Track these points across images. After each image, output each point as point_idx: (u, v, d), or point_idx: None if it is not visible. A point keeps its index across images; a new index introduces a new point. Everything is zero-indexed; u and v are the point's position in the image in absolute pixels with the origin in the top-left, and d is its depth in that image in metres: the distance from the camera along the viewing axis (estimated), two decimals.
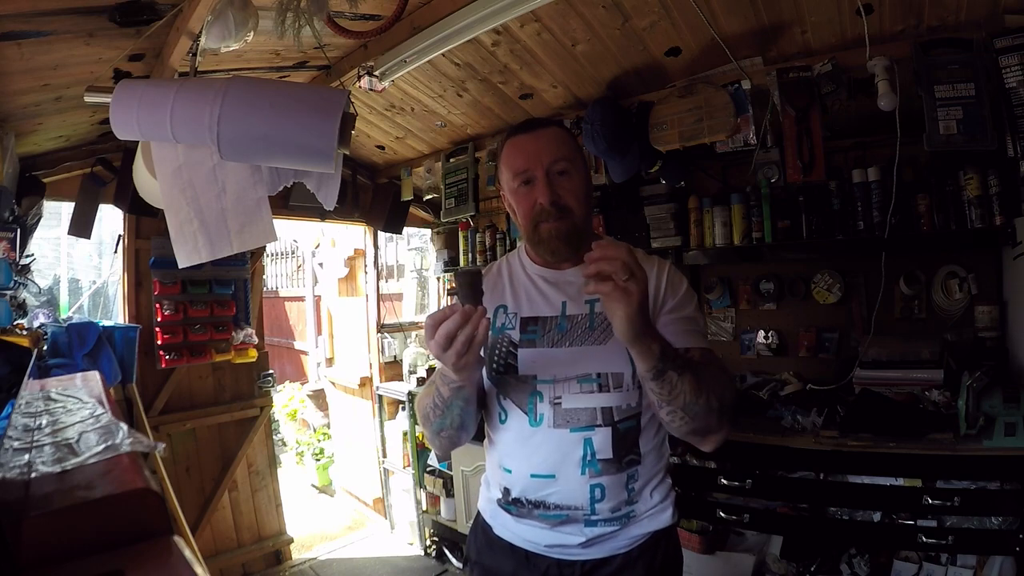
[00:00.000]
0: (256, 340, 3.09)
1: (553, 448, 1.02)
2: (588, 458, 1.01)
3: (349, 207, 3.29)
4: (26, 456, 0.56)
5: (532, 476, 1.03)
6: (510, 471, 1.07)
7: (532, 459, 1.04)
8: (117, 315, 2.98)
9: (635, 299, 0.82)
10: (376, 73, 1.96)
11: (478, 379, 1.05)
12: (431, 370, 3.24)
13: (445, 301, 3.79)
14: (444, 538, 3.12)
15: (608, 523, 1.02)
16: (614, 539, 1.04)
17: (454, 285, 0.89)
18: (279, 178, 1.33)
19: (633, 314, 0.83)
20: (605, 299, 0.85)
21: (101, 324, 2.30)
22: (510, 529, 1.09)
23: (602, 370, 1.01)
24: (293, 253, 6.88)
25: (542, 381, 1.03)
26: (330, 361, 5.36)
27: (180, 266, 1.29)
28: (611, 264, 0.82)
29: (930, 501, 1.62)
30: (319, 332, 5.84)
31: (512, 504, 1.07)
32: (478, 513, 1.19)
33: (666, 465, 1.12)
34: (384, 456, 3.58)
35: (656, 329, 0.92)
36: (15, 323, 2.09)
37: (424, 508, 3.21)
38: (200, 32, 1.48)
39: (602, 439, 1.01)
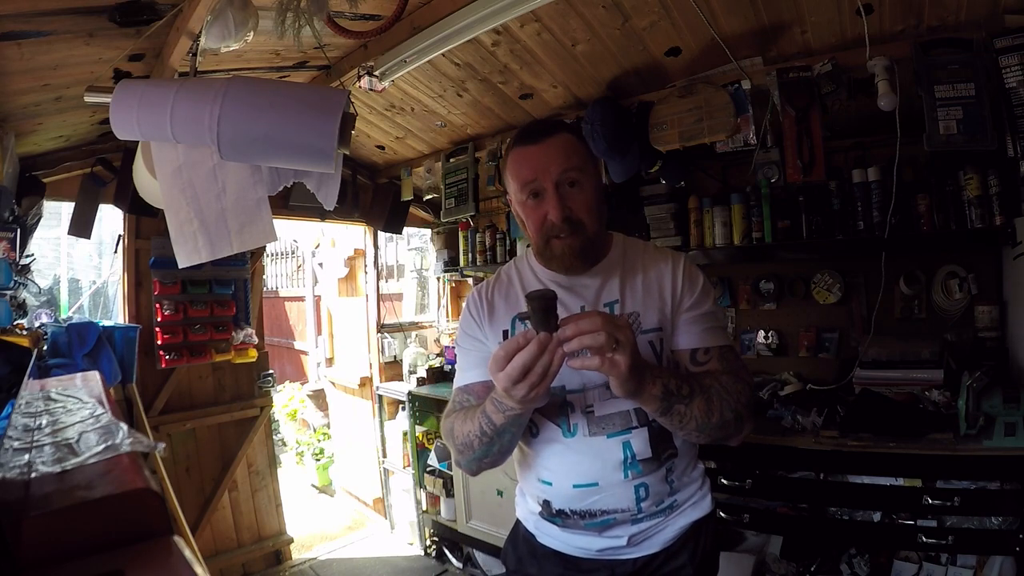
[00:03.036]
0: (256, 340, 3.09)
1: (593, 456, 0.99)
2: (629, 461, 0.99)
3: (349, 207, 3.28)
4: (26, 456, 0.56)
5: (575, 487, 1.01)
6: (550, 484, 1.03)
7: (572, 470, 1.01)
8: (117, 315, 2.98)
9: (626, 365, 0.80)
10: (376, 73, 1.96)
11: None
12: (431, 370, 3.24)
13: (445, 302, 3.79)
14: (444, 538, 3.11)
15: (653, 516, 1.02)
16: (661, 533, 1.03)
17: (526, 309, 0.82)
18: (279, 178, 1.33)
19: (627, 377, 0.82)
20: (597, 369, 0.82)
21: (101, 324, 2.30)
22: (556, 538, 1.07)
23: None
24: (293, 253, 6.88)
25: (571, 391, 1.01)
26: (330, 361, 5.36)
27: (180, 266, 1.29)
28: (594, 339, 0.79)
29: (930, 501, 1.62)
30: (319, 332, 5.84)
31: (556, 516, 1.04)
32: (517, 522, 1.17)
33: (698, 449, 1.11)
34: (384, 456, 3.58)
35: (653, 371, 0.89)
36: (15, 323, 2.09)
37: (424, 508, 3.20)
38: (200, 32, 1.48)
39: (641, 440, 0.99)
